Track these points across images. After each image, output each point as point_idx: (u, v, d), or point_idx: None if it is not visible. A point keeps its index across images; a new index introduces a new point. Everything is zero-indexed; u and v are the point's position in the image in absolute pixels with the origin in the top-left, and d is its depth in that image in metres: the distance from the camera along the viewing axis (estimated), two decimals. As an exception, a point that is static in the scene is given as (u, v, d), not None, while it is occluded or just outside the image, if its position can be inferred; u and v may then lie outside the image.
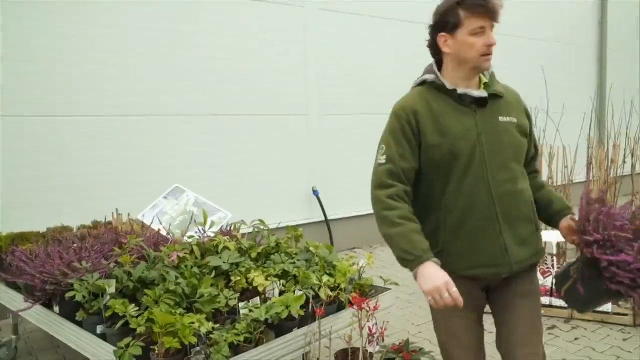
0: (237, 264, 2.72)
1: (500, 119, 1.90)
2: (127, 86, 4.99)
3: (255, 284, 2.60)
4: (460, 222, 1.86)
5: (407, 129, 1.87)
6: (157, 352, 2.13)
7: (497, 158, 1.87)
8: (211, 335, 2.18)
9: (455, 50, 1.85)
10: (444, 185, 1.87)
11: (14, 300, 3.04)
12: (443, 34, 1.86)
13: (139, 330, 2.19)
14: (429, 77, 1.93)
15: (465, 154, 1.84)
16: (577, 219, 1.83)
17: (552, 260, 4.18)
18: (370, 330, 2.30)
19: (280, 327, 2.38)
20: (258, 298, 2.55)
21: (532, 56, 8.44)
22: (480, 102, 1.89)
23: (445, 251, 1.87)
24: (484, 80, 1.94)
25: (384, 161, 1.88)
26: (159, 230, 3.23)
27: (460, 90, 1.88)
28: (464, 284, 1.82)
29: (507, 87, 2.02)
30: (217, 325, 2.29)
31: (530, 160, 2.05)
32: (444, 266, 1.78)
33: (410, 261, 1.77)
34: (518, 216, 1.89)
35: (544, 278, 4.10)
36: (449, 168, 1.86)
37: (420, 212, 1.89)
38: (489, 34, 1.82)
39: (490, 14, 1.80)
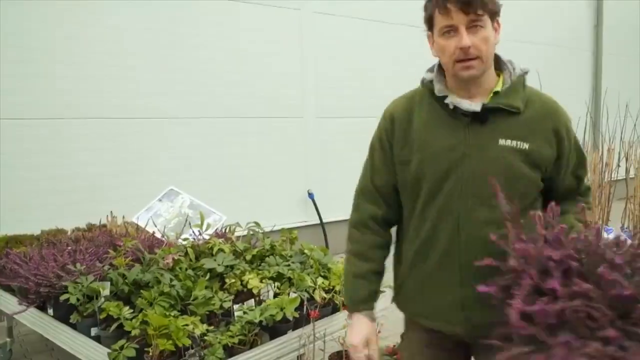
0: (232, 266, 2.71)
1: (501, 141, 1.41)
2: (126, 88, 5.00)
3: (249, 286, 2.60)
4: (415, 260, 1.53)
5: (384, 139, 1.56)
6: (151, 354, 2.12)
7: (480, 191, 1.41)
8: (205, 337, 2.19)
9: (437, 53, 1.47)
10: (410, 212, 1.54)
11: (8, 303, 3.03)
12: (429, 32, 1.47)
13: (133, 332, 2.19)
14: (427, 76, 1.53)
15: (435, 178, 1.45)
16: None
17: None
18: (364, 332, 2.30)
19: (274, 329, 2.38)
20: (252, 300, 2.55)
21: (528, 59, 8.44)
22: (478, 116, 1.43)
23: (401, 287, 1.61)
24: (497, 87, 1.46)
25: (361, 177, 1.63)
26: (154, 232, 3.22)
27: (449, 99, 1.45)
28: (423, 331, 1.56)
29: (537, 97, 1.49)
30: (212, 327, 2.29)
31: (564, 192, 1.53)
32: (400, 304, 1.59)
33: (347, 306, 1.59)
34: (492, 270, 1.30)
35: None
36: (417, 192, 1.50)
37: (397, 236, 1.65)
38: (462, 34, 1.36)
39: (462, 6, 1.34)
